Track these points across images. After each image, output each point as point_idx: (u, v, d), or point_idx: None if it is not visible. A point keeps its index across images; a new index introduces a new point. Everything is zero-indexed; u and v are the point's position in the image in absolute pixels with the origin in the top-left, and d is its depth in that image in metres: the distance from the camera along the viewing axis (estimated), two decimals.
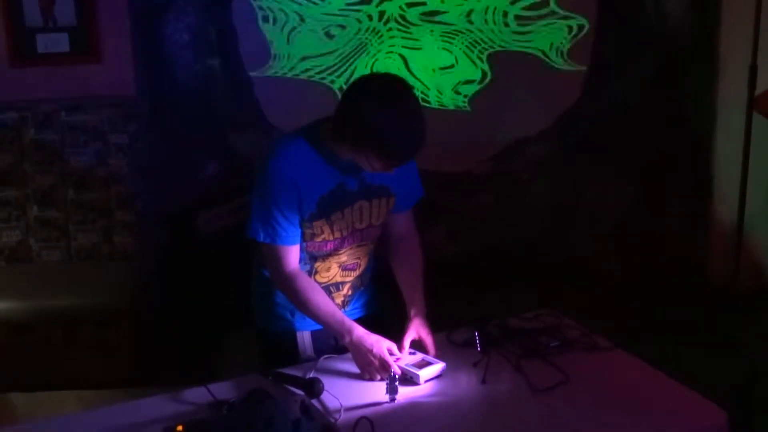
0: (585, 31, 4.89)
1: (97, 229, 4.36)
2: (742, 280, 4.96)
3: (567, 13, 4.87)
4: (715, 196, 5.25)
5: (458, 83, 4.96)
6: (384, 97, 2.53)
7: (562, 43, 4.92)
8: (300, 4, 4.63)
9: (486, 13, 4.84)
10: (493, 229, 4.92)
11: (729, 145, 5.07)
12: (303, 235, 2.73)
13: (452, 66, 4.93)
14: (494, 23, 4.85)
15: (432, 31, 4.88)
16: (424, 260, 2.97)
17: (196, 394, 2.51)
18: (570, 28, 4.89)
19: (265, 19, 4.59)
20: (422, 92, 4.89)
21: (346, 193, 2.71)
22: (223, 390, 2.54)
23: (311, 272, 2.81)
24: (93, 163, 4.32)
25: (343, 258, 2.83)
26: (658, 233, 5.14)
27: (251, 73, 4.56)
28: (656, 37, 4.97)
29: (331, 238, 2.75)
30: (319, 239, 2.74)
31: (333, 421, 2.34)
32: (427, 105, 4.91)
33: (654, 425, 2.47)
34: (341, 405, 2.42)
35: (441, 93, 4.94)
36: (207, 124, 4.49)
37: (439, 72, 4.95)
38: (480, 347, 2.79)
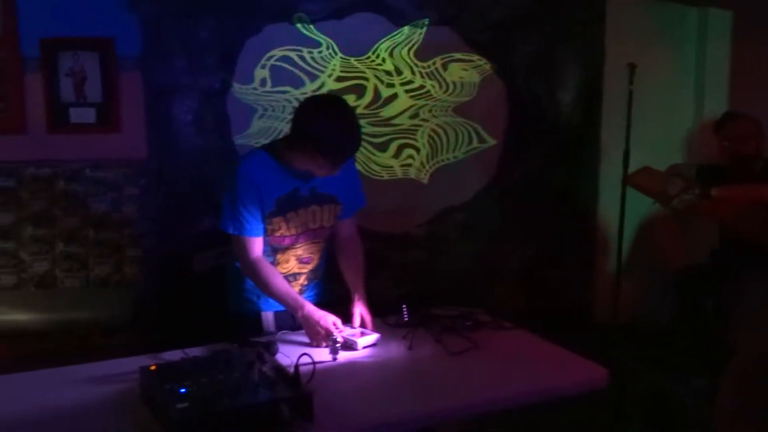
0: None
1: (111, 262, 4.29)
2: (620, 316, 4.99)
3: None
4: (598, 252, 5.28)
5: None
6: (325, 110, 2.55)
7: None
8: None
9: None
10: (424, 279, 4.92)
11: (609, 211, 5.12)
12: (265, 230, 2.69)
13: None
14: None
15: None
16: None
17: (174, 355, 2.43)
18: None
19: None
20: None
21: (299, 197, 2.70)
22: (195, 352, 2.45)
23: (273, 263, 2.75)
24: (109, 209, 4.29)
25: (299, 252, 2.78)
26: (553, 282, 5.14)
27: (237, 142, 4.51)
28: (552, 127, 5.05)
29: (288, 233, 2.72)
30: (278, 234, 2.71)
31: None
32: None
33: (547, 379, 2.43)
34: (292, 361, 2.35)
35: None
36: (203, 184, 4.42)
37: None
38: (407, 317, 2.74)
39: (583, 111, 5.08)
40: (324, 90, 4.59)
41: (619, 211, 4.91)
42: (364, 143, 4.59)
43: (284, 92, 4.57)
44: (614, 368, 2.53)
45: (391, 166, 4.84)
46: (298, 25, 4.52)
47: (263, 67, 4.52)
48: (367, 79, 4.70)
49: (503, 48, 4.91)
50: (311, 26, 4.54)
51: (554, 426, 3.36)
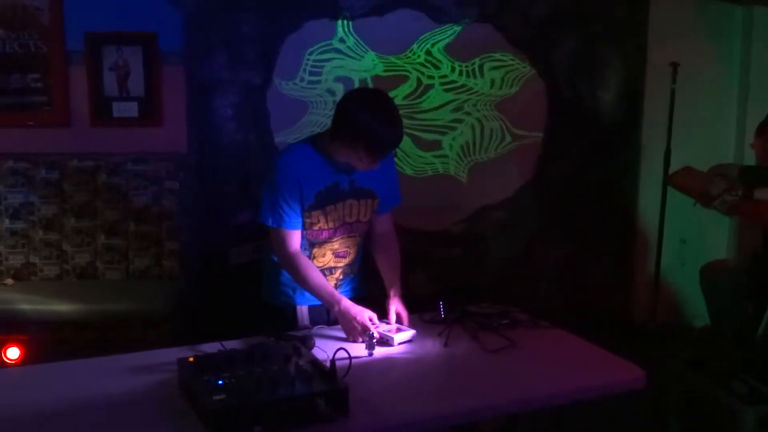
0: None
1: (150, 254, 4.33)
2: (659, 317, 4.91)
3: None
4: (638, 252, 5.22)
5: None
6: (369, 103, 2.54)
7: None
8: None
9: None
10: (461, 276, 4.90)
11: (648, 211, 5.08)
12: (303, 224, 2.69)
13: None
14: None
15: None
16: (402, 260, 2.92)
17: (211, 347, 2.43)
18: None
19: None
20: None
21: (339, 191, 2.70)
22: (233, 345, 2.46)
23: (310, 257, 2.76)
24: (150, 203, 4.32)
25: (336, 246, 2.78)
26: (591, 282, 5.08)
27: (276, 139, 4.53)
28: (593, 125, 4.99)
29: (326, 227, 2.72)
30: (316, 227, 2.71)
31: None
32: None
33: (583, 378, 2.40)
34: (328, 356, 2.35)
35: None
36: (241, 179, 4.46)
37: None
38: (443, 314, 2.73)
39: (625, 110, 5.03)
40: (366, 84, 4.60)
41: (660, 210, 4.87)
42: (405, 138, 4.59)
43: (325, 86, 4.58)
44: (652, 369, 2.49)
45: (432, 162, 4.82)
46: (339, 22, 4.52)
47: (304, 62, 4.53)
48: (408, 73, 4.69)
49: (544, 45, 4.88)
50: (350, 23, 4.55)
51: (590, 426, 3.32)
